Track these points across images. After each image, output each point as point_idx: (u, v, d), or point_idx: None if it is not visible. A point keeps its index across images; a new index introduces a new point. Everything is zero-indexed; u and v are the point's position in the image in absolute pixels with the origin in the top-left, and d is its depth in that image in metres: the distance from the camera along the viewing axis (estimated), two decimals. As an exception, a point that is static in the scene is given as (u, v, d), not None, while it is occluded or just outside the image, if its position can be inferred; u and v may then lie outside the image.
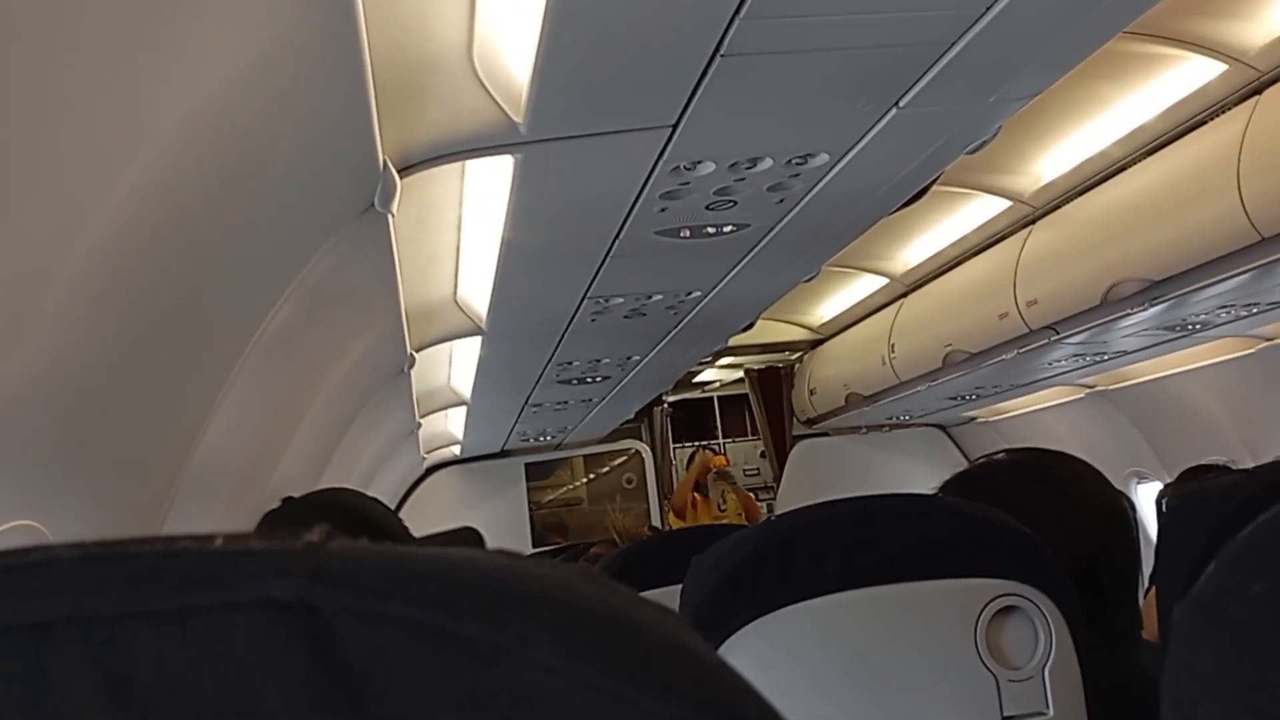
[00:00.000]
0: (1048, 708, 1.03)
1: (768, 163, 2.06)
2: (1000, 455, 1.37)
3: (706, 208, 2.31)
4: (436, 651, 0.24)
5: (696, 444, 7.74)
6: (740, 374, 7.64)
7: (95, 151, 1.07)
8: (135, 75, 1.05)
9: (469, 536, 3.25)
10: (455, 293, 3.15)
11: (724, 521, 5.99)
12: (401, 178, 1.78)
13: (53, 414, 1.27)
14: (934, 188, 2.53)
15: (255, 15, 1.14)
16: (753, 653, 1.02)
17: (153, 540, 0.25)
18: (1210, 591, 0.36)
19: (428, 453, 6.27)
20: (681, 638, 0.27)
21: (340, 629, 0.24)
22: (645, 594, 1.09)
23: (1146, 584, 1.67)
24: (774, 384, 7.43)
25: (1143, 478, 5.50)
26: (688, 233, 2.47)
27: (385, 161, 1.69)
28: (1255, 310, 3.79)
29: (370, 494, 1.67)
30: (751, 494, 6.78)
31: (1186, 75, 3.07)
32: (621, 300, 3.15)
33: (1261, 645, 0.33)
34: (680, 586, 1.11)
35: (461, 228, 2.57)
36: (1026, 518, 1.09)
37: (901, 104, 1.83)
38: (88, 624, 0.23)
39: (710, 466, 6.47)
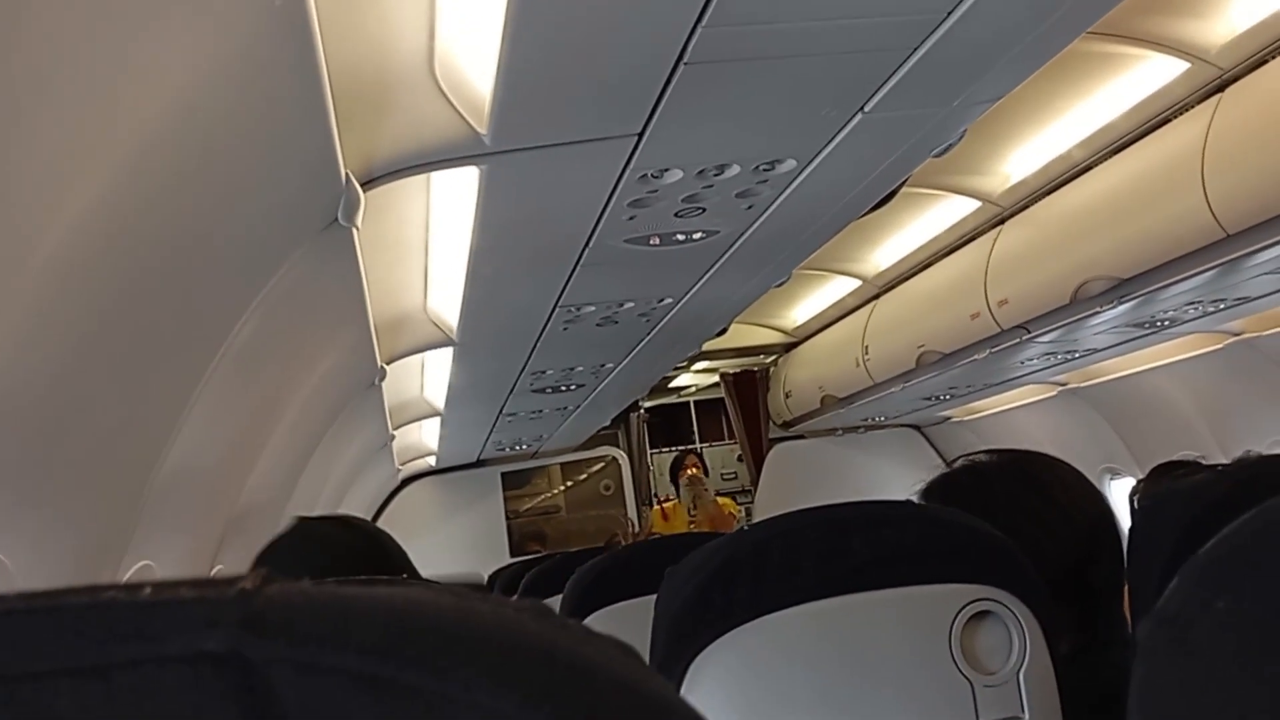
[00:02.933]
0: (1023, 711, 1.03)
1: (735, 169, 2.06)
2: (982, 457, 1.37)
3: (675, 215, 2.31)
4: (376, 701, 0.23)
5: (679, 448, 7.75)
6: (716, 378, 7.66)
7: (48, 166, 1.05)
8: (87, 90, 1.04)
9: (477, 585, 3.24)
10: (425, 304, 3.14)
11: (695, 526, 6.00)
12: (365, 191, 1.77)
13: (11, 435, 1.25)
14: (904, 189, 2.55)
15: (208, 29, 1.13)
16: (727, 664, 1.02)
17: (79, 590, 0.25)
18: (1174, 608, 0.36)
19: (403, 464, 6.25)
20: (633, 677, 0.27)
21: (275, 681, 0.23)
22: (620, 605, 1.08)
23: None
24: (749, 388, 7.45)
25: (1116, 474, 5.55)
26: (657, 240, 2.47)
27: (348, 175, 1.68)
28: (1223, 306, 3.83)
29: (355, 515, 1.66)
30: (729, 499, 6.78)
31: (1149, 74, 3.10)
32: (593, 308, 3.14)
33: (1226, 663, 0.33)
34: (655, 597, 1.10)
35: (429, 239, 2.56)
36: (1013, 525, 1.09)
37: (867, 109, 1.84)
38: (10, 682, 0.22)
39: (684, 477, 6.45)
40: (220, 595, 0.24)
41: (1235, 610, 0.34)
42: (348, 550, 1.43)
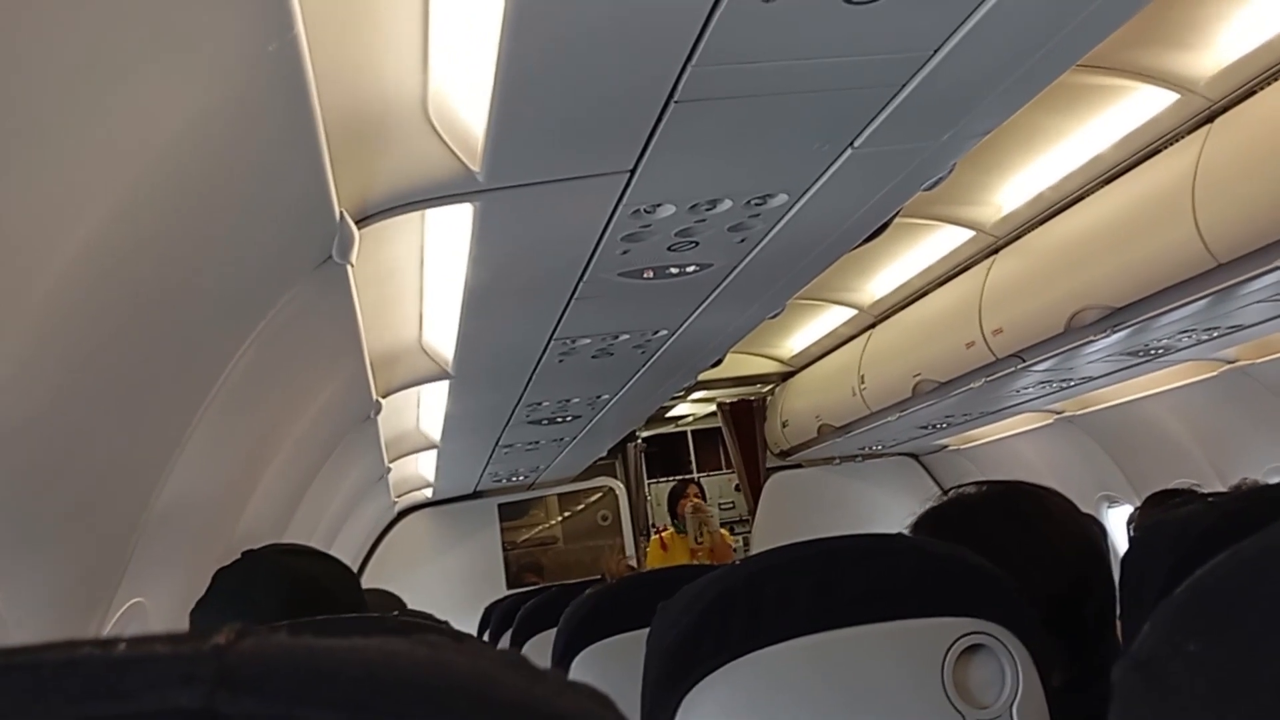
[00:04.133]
0: (1016, 745, 1.03)
1: (727, 204, 2.07)
2: (970, 489, 1.37)
3: (668, 249, 2.32)
4: None
5: (676, 478, 7.73)
6: (713, 408, 7.66)
7: (43, 207, 1.06)
8: (81, 132, 1.05)
9: (386, 602, 3.22)
10: (420, 338, 3.14)
11: (700, 554, 5.98)
12: (360, 228, 1.78)
13: (6, 471, 1.25)
14: (897, 219, 2.56)
15: (203, 72, 1.14)
16: (722, 698, 1.02)
17: (56, 646, 0.25)
18: (1147, 651, 0.36)
19: (399, 496, 6.22)
20: (604, 728, 0.27)
21: None
22: (614, 639, 1.08)
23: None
24: (746, 417, 7.45)
25: (1113, 501, 5.54)
26: (651, 274, 2.47)
27: (342, 213, 1.69)
28: (1216, 334, 3.84)
29: (328, 549, 1.66)
30: (725, 530, 6.75)
31: (1139, 105, 3.13)
32: (588, 341, 3.15)
33: (1198, 706, 0.33)
34: (648, 631, 1.10)
35: (424, 273, 2.57)
36: (1001, 558, 1.09)
37: (857, 144, 1.85)
38: None
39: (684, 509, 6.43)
40: (194, 651, 0.24)
41: (1207, 653, 0.34)
42: (294, 585, 1.42)
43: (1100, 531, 1.35)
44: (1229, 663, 0.33)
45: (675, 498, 6.59)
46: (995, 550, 1.11)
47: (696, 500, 6.28)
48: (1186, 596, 0.36)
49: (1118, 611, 1.23)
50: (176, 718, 0.23)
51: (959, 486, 1.37)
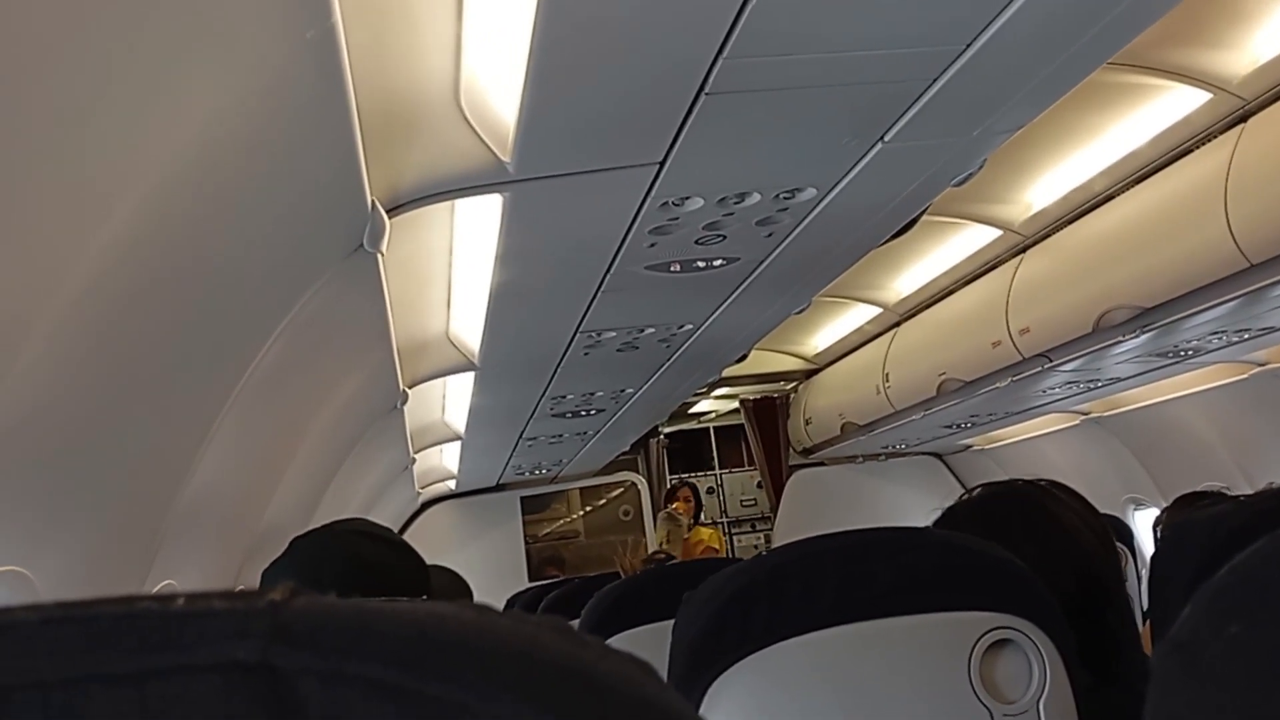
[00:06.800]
0: (1043, 742, 1.02)
1: (755, 197, 2.07)
2: (978, 491, 1.37)
3: (696, 242, 2.32)
4: (398, 710, 0.24)
5: (695, 474, 7.72)
6: (736, 404, 7.64)
7: (79, 194, 1.07)
8: (120, 119, 1.06)
9: (447, 581, 3.24)
10: (447, 329, 3.16)
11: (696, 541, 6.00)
12: (390, 217, 1.79)
13: (41, 457, 1.27)
14: (924, 217, 2.55)
15: (240, 59, 1.15)
16: (746, 688, 1.02)
17: (113, 601, 0.25)
18: (1186, 634, 0.36)
19: (423, 488, 6.25)
20: (650, 693, 0.27)
21: (302, 690, 0.23)
22: (637, 630, 1.08)
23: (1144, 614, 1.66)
24: (770, 414, 7.43)
25: (1140, 504, 5.49)
26: (678, 267, 2.47)
27: (374, 202, 1.70)
28: (1247, 336, 3.80)
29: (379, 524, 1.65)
30: (714, 529, 6.73)
31: (1172, 104, 3.10)
32: (614, 334, 3.15)
33: (1239, 689, 0.33)
34: (673, 621, 1.11)
35: (452, 264, 2.58)
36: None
37: (886, 139, 1.84)
38: (46, 689, 0.23)
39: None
40: (250, 607, 0.25)
41: (1247, 636, 0.34)
42: (364, 563, 1.43)
43: (1129, 532, 1.34)
44: (1270, 645, 0.33)
45: (669, 498, 6.61)
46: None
47: (677, 507, 6.28)
48: (1227, 580, 0.35)
49: (1144, 609, 1.22)
50: (232, 671, 0.23)
51: (970, 489, 1.36)
